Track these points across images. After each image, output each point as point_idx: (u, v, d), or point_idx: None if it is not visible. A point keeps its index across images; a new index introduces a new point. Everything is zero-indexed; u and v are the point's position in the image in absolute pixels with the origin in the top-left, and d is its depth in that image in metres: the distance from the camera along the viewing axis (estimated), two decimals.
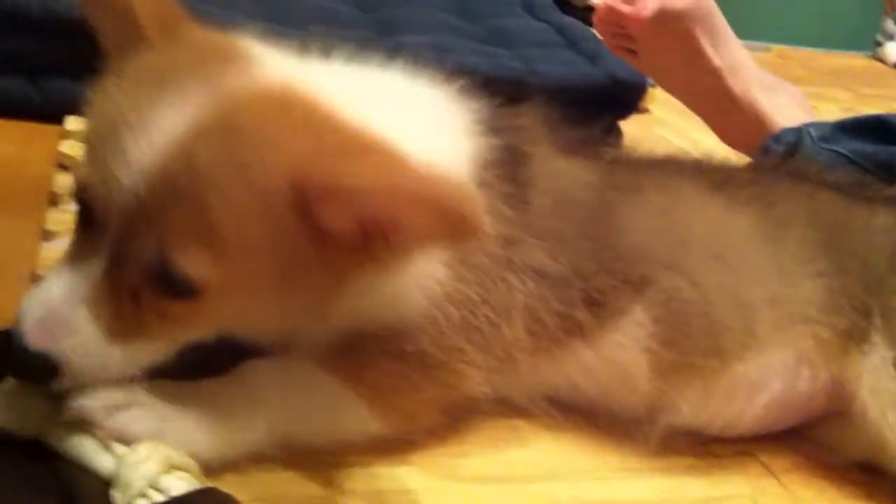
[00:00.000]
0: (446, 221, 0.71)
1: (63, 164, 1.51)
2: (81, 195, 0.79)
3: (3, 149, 1.57)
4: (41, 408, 0.82)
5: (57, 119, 1.66)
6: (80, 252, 0.79)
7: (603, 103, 1.97)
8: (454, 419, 0.98)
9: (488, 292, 0.92)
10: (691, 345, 0.98)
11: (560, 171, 1.00)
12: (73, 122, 1.64)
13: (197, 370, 0.88)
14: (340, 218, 0.75)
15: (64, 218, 1.31)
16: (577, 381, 1.01)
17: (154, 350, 0.82)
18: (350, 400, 0.90)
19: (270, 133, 0.75)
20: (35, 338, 0.76)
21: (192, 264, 0.74)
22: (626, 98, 2.01)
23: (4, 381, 0.85)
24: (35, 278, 1.15)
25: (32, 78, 1.71)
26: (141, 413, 0.83)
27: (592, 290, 0.96)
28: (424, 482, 0.91)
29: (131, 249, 0.75)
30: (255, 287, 0.79)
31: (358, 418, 0.91)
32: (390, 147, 0.75)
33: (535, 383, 1.01)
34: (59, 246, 1.22)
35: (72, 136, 1.60)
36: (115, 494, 0.77)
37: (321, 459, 0.90)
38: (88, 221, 0.78)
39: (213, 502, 0.77)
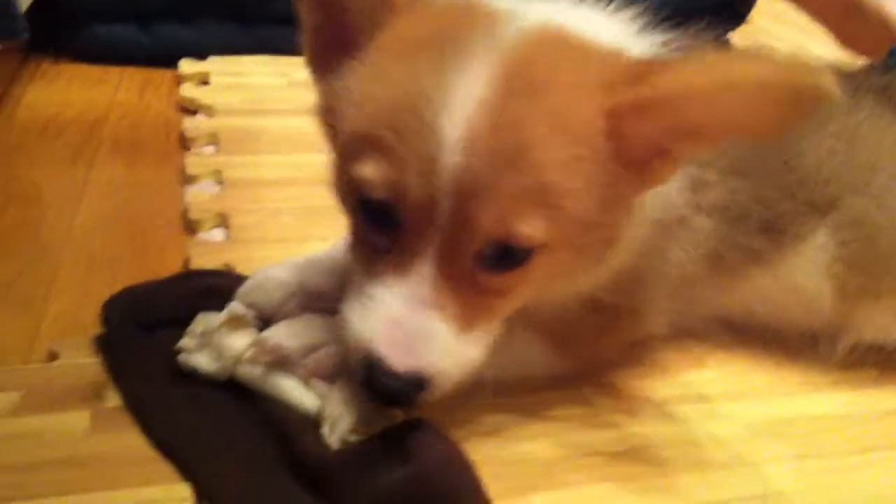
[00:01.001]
0: (797, 95, 0.65)
1: (185, 108, 1.51)
2: (382, 197, 0.70)
3: (123, 96, 1.58)
4: (236, 351, 0.83)
5: (168, 63, 1.66)
6: (398, 257, 0.72)
7: (714, 15, 1.90)
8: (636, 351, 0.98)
9: (680, 240, 0.90)
10: (881, 268, 0.95)
11: None
12: (187, 65, 1.65)
13: None
14: (649, 131, 0.71)
15: (201, 161, 1.32)
16: (752, 307, 0.99)
17: (493, 331, 0.78)
18: (539, 343, 0.89)
19: (568, 74, 0.71)
20: (398, 359, 0.71)
21: (533, 228, 0.70)
22: (739, 8, 1.95)
23: (195, 323, 0.86)
24: (187, 223, 1.16)
25: (143, 24, 1.70)
26: (338, 351, 0.82)
27: (772, 218, 0.93)
28: (609, 403, 0.91)
29: (463, 234, 0.69)
30: (576, 233, 0.74)
31: (545, 359, 0.90)
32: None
33: (710, 311, 0.99)
34: (201, 189, 1.24)
35: (188, 80, 1.60)
36: (325, 430, 0.78)
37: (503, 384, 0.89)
38: (392, 221, 0.71)
39: (422, 432, 0.77)
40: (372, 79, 0.73)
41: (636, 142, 0.71)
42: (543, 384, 0.91)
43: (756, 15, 2.19)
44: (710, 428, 0.89)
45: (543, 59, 0.71)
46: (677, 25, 0.95)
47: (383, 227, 0.72)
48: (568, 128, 0.69)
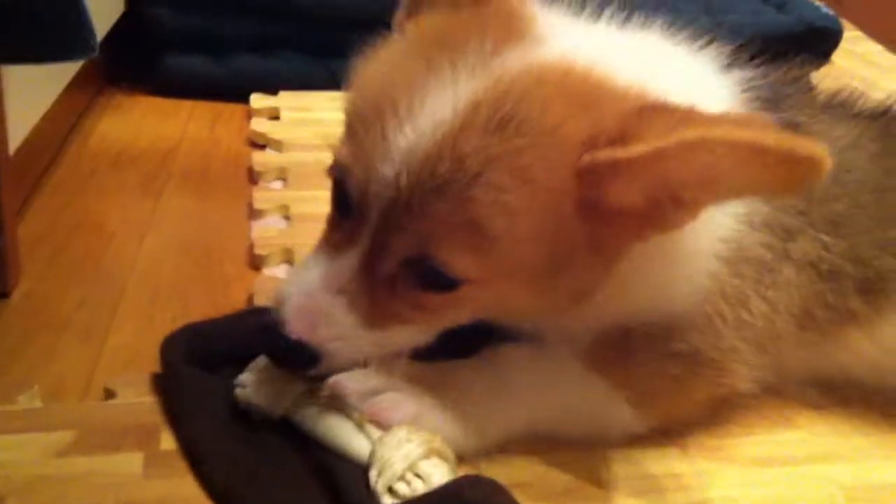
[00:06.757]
0: (786, 165, 0.61)
1: (255, 142, 1.50)
2: (340, 179, 0.73)
3: (194, 129, 1.57)
4: (295, 388, 0.79)
5: (242, 97, 1.65)
6: (337, 239, 0.75)
7: (796, 53, 1.84)
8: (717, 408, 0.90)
9: (764, 287, 0.83)
10: None
11: (835, 141, 0.87)
12: (258, 100, 1.63)
13: (447, 351, 0.83)
14: (632, 191, 0.67)
15: (269, 196, 1.29)
16: (850, 368, 0.92)
17: (408, 336, 0.77)
18: (612, 398, 0.82)
19: (551, 122, 0.67)
20: (295, 327, 0.73)
21: (456, 261, 0.69)
22: (820, 47, 1.88)
23: (258, 360, 0.82)
24: (254, 258, 1.13)
25: (217, 55, 1.70)
26: (398, 398, 0.79)
27: (872, 277, 0.86)
28: (692, 466, 0.84)
29: (391, 240, 0.70)
30: (519, 277, 0.72)
31: (619, 416, 0.83)
32: (688, 105, 0.65)
33: (802, 371, 0.92)
34: (268, 224, 1.22)
35: (259, 114, 1.59)
36: (373, 474, 0.73)
37: (578, 443, 0.84)
38: (346, 207, 0.73)
39: (481, 490, 0.72)
40: (373, 66, 0.74)
41: (613, 199, 0.68)
42: (618, 441, 0.84)
43: (836, 56, 2.11)
44: (801, 492, 0.82)
45: (530, 97, 0.67)
46: (768, 60, 0.90)
47: (340, 209, 0.75)
48: (528, 180, 0.67)
